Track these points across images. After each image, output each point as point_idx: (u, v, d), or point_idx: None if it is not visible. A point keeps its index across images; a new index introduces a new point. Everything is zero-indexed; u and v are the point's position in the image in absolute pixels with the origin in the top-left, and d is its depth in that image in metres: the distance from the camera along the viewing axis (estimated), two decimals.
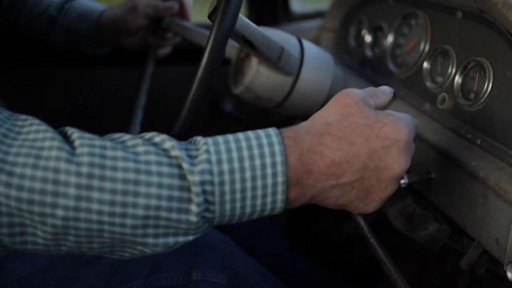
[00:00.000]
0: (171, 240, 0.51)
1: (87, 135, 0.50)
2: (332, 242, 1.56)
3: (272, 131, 0.53)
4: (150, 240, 0.50)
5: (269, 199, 0.52)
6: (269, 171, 0.51)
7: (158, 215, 0.49)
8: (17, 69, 1.28)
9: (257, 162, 0.51)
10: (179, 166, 0.49)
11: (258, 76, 0.77)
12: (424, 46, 0.84)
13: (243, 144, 0.51)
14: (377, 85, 0.93)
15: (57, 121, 1.51)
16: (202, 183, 0.49)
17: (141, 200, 0.48)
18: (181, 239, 0.52)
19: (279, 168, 0.51)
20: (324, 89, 0.81)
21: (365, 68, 1.04)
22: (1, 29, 1.19)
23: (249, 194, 0.51)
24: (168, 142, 0.51)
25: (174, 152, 0.50)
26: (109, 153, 0.48)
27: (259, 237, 1.13)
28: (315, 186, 0.52)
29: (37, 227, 0.47)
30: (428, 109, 0.80)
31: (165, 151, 0.50)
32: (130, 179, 0.48)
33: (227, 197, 0.51)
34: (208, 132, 1.43)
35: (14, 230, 0.48)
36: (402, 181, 0.75)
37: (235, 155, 0.50)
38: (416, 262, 1.25)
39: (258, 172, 0.51)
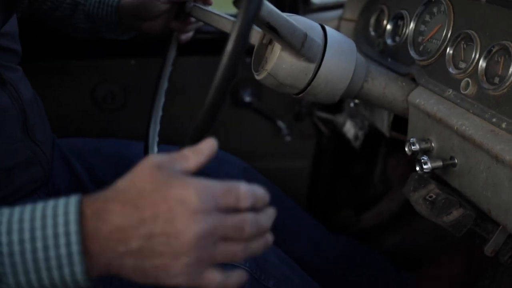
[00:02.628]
0: None
1: None
2: (348, 235, 1.55)
3: (73, 199, 0.50)
4: None
5: (66, 270, 0.48)
6: (62, 240, 0.48)
7: None
8: (39, 61, 1.29)
9: (49, 231, 0.48)
10: None
11: (281, 62, 0.77)
12: (447, 32, 0.84)
13: (38, 213, 0.49)
14: (398, 73, 0.94)
15: (77, 113, 1.53)
16: None
17: None
18: None
19: (73, 238, 0.48)
20: (346, 76, 0.81)
21: (385, 56, 1.04)
22: (25, 21, 1.21)
23: (42, 265, 0.48)
24: None
25: None
26: None
27: (288, 225, 1.14)
28: (103, 254, 0.49)
29: None
30: (451, 95, 0.80)
31: None
32: None
33: (19, 268, 0.48)
34: (228, 121, 1.44)
35: None
36: (425, 166, 0.75)
37: (26, 225, 0.49)
38: (460, 251, 1.25)
39: (50, 242, 0.48)
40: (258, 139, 1.46)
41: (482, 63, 0.75)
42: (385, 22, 1.06)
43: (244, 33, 0.55)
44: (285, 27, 0.70)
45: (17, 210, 0.50)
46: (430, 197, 0.74)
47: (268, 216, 0.55)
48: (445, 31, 0.84)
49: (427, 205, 0.73)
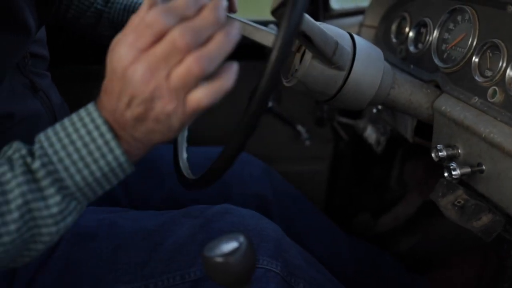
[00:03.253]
0: (54, 229, 0.57)
1: None
2: (365, 238, 1.57)
3: (88, 106, 0.58)
4: (36, 232, 0.57)
5: (109, 157, 0.56)
6: (95, 133, 0.56)
7: (30, 208, 0.55)
8: (64, 67, 1.31)
9: (82, 131, 0.56)
10: (26, 164, 0.56)
11: (311, 70, 0.79)
12: (472, 41, 0.85)
13: (67, 123, 0.57)
14: (422, 80, 0.95)
15: None
16: (43, 165, 0.55)
17: (13, 205, 0.55)
18: (61, 225, 0.58)
19: (103, 128, 0.56)
20: (374, 83, 0.83)
21: (408, 63, 1.05)
22: (52, 27, 1.23)
23: (89, 159, 0.56)
24: (16, 153, 0.56)
25: (20, 155, 0.56)
26: None
27: (308, 226, 1.16)
28: (126, 132, 0.57)
29: None
30: (477, 103, 0.81)
31: (13, 161, 0.56)
32: (0, 193, 0.54)
33: (72, 169, 0.56)
34: None
35: None
36: (454, 173, 0.76)
37: (62, 134, 0.56)
38: (474, 255, 1.26)
39: (87, 138, 0.56)
40: (278, 142, 1.48)
41: (509, 72, 0.76)
42: (407, 29, 1.08)
43: (288, 42, 0.56)
44: (319, 36, 0.72)
45: (49, 129, 0.57)
46: (459, 202, 0.76)
47: (203, 17, 0.53)
48: (470, 40, 0.86)
49: (456, 211, 0.75)
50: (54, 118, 0.89)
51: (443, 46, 0.95)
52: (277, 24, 0.70)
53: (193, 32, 0.52)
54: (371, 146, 1.31)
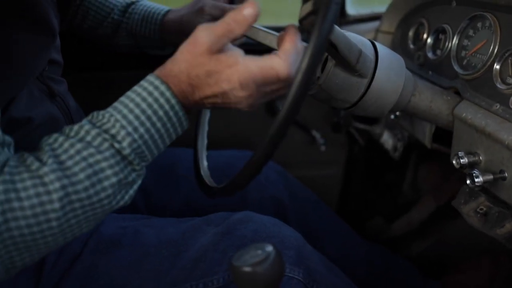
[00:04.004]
0: (131, 192, 0.66)
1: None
2: (378, 242, 1.57)
3: (155, 80, 0.65)
4: (121, 202, 0.65)
5: (179, 129, 0.67)
6: (171, 113, 0.65)
7: (120, 184, 0.63)
8: (80, 72, 1.32)
9: (155, 105, 0.64)
10: (113, 146, 0.62)
11: (333, 77, 0.79)
12: (493, 48, 0.85)
13: (143, 104, 0.64)
14: (441, 87, 0.95)
15: None
16: (133, 150, 0.63)
17: (107, 183, 0.62)
18: (135, 186, 0.66)
19: (177, 107, 0.65)
20: (396, 91, 0.83)
21: (426, 69, 1.06)
22: (66, 34, 1.24)
23: (163, 131, 0.65)
24: (99, 137, 0.62)
25: (104, 139, 0.62)
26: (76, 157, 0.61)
27: (323, 229, 1.16)
28: (193, 108, 0.68)
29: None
30: (499, 109, 0.82)
31: (99, 145, 0.62)
32: (91, 174, 0.61)
33: (150, 143, 0.65)
34: (264, 130, 1.46)
35: None
36: (476, 180, 0.77)
37: (143, 117, 0.63)
38: (486, 260, 1.26)
39: (160, 112, 0.64)
40: (292, 147, 1.49)
41: None
42: (425, 35, 1.08)
43: (320, 52, 0.57)
44: (344, 44, 0.72)
45: (121, 105, 0.64)
46: (481, 209, 0.76)
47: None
48: (491, 47, 0.86)
49: (479, 218, 0.75)
50: (71, 122, 0.90)
51: (463, 53, 0.95)
52: (304, 31, 0.70)
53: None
54: (386, 152, 1.31)
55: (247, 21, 0.63)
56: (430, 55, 1.05)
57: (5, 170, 0.58)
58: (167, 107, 0.64)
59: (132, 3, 1.14)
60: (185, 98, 0.66)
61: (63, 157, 0.60)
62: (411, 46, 1.14)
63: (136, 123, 0.63)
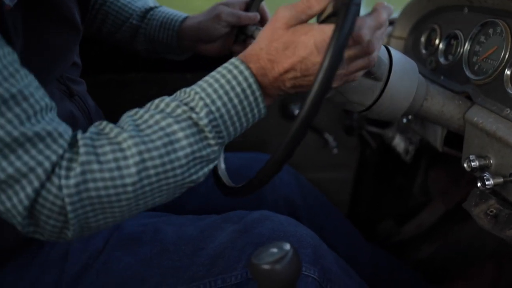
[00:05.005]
0: (206, 170, 0.69)
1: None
2: (388, 244, 1.59)
3: (236, 61, 0.69)
4: (194, 177, 0.68)
5: (255, 111, 0.70)
6: (248, 91, 0.68)
7: (194, 157, 0.66)
8: (99, 74, 1.35)
9: (238, 89, 0.68)
10: (191, 118, 0.66)
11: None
12: (505, 54, 0.87)
13: (222, 80, 0.68)
14: (453, 91, 0.97)
15: None
16: (210, 121, 0.66)
17: (181, 153, 0.65)
18: (211, 165, 0.70)
19: (254, 86, 0.68)
20: (409, 95, 0.85)
21: (438, 74, 1.08)
22: (85, 36, 1.27)
23: (242, 113, 0.69)
24: (178, 109, 0.66)
25: (183, 110, 0.66)
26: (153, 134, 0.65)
27: (332, 229, 1.18)
28: (271, 92, 0.71)
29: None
30: (509, 114, 0.84)
31: (177, 116, 0.66)
32: (167, 142, 0.64)
33: (229, 122, 0.68)
34: (278, 132, 1.50)
35: None
36: (487, 183, 0.79)
37: (220, 91, 0.67)
38: (490, 265, 1.28)
39: (242, 96, 0.68)
40: (305, 149, 1.51)
41: None
42: (437, 41, 1.10)
43: (340, 53, 0.59)
44: None
45: (204, 84, 0.68)
46: (491, 211, 0.78)
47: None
48: (503, 53, 0.88)
49: (489, 220, 0.77)
50: (90, 122, 0.92)
51: (474, 58, 0.97)
52: None
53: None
54: (398, 155, 1.33)
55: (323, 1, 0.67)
56: (442, 60, 1.07)
57: (86, 135, 0.63)
58: (244, 84, 0.68)
59: (151, 8, 1.16)
60: (264, 75, 0.69)
61: (142, 126, 0.65)
62: (423, 51, 1.16)
63: (214, 96, 0.67)
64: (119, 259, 0.83)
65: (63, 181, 0.59)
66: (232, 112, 0.68)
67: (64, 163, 0.60)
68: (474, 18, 0.99)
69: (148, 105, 0.68)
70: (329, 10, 0.66)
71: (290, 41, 0.67)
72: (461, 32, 1.02)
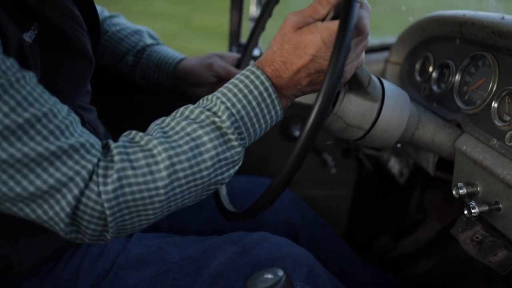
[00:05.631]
0: (232, 171, 0.74)
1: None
2: (385, 260, 1.63)
3: (252, 67, 0.75)
4: (220, 177, 0.73)
5: (272, 113, 0.75)
6: (265, 94, 0.74)
7: (219, 158, 0.71)
8: (105, 96, 1.40)
9: (255, 92, 0.73)
10: (214, 122, 0.71)
11: (348, 103, 0.86)
12: (492, 87, 0.92)
13: (240, 85, 0.73)
14: (444, 119, 1.02)
15: None
16: (232, 123, 0.71)
17: (206, 155, 0.70)
18: (236, 167, 0.75)
19: (270, 90, 0.74)
20: (401, 125, 0.89)
21: (431, 102, 1.12)
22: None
23: (260, 115, 0.74)
24: (202, 114, 0.72)
25: (206, 116, 0.71)
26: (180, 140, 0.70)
27: (330, 250, 1.23)
28: (286, 93, 0.76)
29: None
30: (496, 145, 0.88)
31: (202, 121, 0.71)
32: (194, 147, 0.69)
33: (248, 124, 0.73)
34: (278, 153, 1.54)
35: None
36: (473, 211, 0.83)
37: (239, 95, 0.73)
38: (482, 281, 1.31)
39: (259, 98, 0.73)
40: (305, 169, 1.55)
41: None
42: (430, 68, 1.15)
43: (339, 74, 0.64)
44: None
45: (223, 88, 0.74)
46: (477, 238, 0.83)
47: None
48: (490, 86, 0.92)
49: (475, 246, 0.82)
50: None
51: (465, 88, 1.02)
52: None
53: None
54: (393, 176, 1.37)
55: (330, 3, 0.72)
56: (435, 88, 1.12)
57: (119, 144, 0.69)
58: (261, 88, 0.73)
59: (147, 46, 1.21)
60: (279, 77, 0.74)
61: (170, 133, 0.70)
62: (418, 78, 1.21)
63: (234, 99, 0.72)
64: (126, 278, 0.87)
65: (102, 188, 0.64)
66: (252, 113, 0.73)
67: (101, 171, 0.65)
68: (465, 50, 1.04)
69: (174, 113, 0.74)
70: (331, 14, 0.72)
71: (299, 41, 0.72)
72: (453, 62, 1.07)
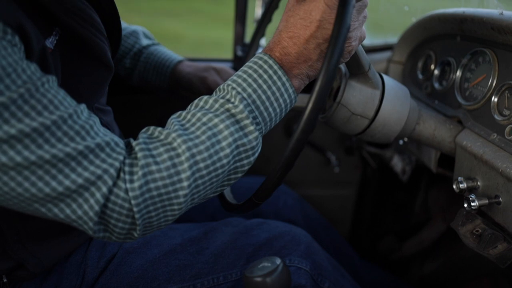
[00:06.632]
0: (252, 158, 0.74)
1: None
2: (390, 261, 1.63)
3: (260, 53, 0.75)
4: (238, 164, 0.73)
5: (285, 95, 0.74)
6: (275, 77, 0.73)
7: (237, 145, 0.71)
8: (114, 96, 1.42)
9: (265, 76, 0.73)
10: (228, 109, 0.71)
11: (350, 90, 0.87)
12: (492, 82, 0.93)
13: (250, 71, 0.73)
14: (446, 116, 1.03)
15: None
16: (245, 107, 0.71)
17: (224, 143, 0.70)
18: (256, 154, 0.74)
19: (280, 72, 0.73)
20: (401, 120, 0.90)
21: (432, 99, 1.13)
22: None
23: (272, 98, 0.73)
24: (216, 103, 0.72)
25: (220, 104, 0.72)
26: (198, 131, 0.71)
27: (332, 248, 1.24)
28: (296, 72, 0.75)
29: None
30: (495, 139, 0.89)
31: (216, 110, 0.71)
32: (211, 135, 0.69)
33: (262, 107, 0.73)
34: (282, 152, 1.54)
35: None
36: (472, 204, 0.84)
37: (249, 79, 0.73)
38: (486, 281, 1.31)
39: (269, 81, 0.73)
40: (309, 168, 1.56)
41: None
42: (432, 66, 1.16)
43: (333, 69, 0.65)
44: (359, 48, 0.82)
45: (233, 76, 0.75)
46: (477, 231, 0.83)
47: None
48: (490, 81, 0.93)
49: (474, 239, 0.82)
50: None
51: (466, 85, 1.03)
52: None
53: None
54: (396, 174, 1.38)
55: None
56: (436, 85, 1.12)
57: (140, 141, 0.69)
58: (270, 71, 0.73)
59: (143, 48, 1.23)
60: (288, 54, 0.74)
61: (187, 125, 0.71)
62: (420, 76, 1.21)
63: (244, 84, 0.72)
64: (131, 261, 0.89)
65: (128, 185, 0.65)
66: (263, 97, 0.73)
67: (127, 168, 0.66)
68: (465, 46, 1.05)
69: (189, 106, 0.75)
70: None
71: (304, 10, 0.72)
72: (454, 59, 1.07)
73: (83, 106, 0.67)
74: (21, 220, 0.79)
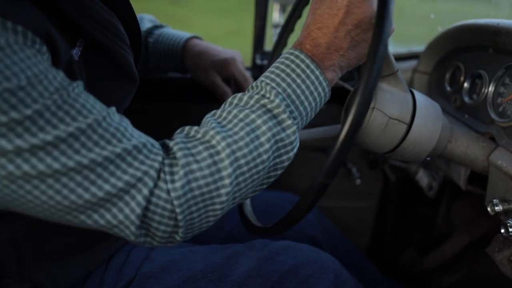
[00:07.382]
0: (291, 154, 0.72)
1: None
2: (411, 274, 1.59)
3: (291, 48, 0.74)
4: (278, 160, 0.71)
5: (320, 88, 0.73)
6: (308, 71, 0.72)
7: (275, 140, 0.69)
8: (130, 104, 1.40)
9: (298, 70, 0.72)
10: (264, 105, 0.70)
11: (383, 94, 0.82)
12: None
13: (282, 66, 0.73)
14: (477, 132, 0.98)
15: None
16: (281, 101, 0.70)
17: (263, 138, 0.68)
18: (294, 150, 0.72)
19: (312, 66, 0.72)
20: (433, 138, 0.85)
21: (462, 113, 1.09)
22: None
23: (307, 92, 0.72)
24: (251, 100, 0.71)
25: (255, 100, 0.71)
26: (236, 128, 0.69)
27: (354, 266, 1.21)
28: (329, 65, 0.74)
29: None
30: None
31: (252, 106, 0.70)
32: (249, 131, 0.68)
33: (297, 102, 0.72)
34: (302, 163, 1.51)
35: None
36: (510, 230, 0.79)
37: (282, 74, 0.72)
38: None
39: (303, 75, 0.72)
40: None
41: None
42: (462, 79, 1.11)
43: (379, 68, 0.63)
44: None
45: (266, 71, 0.74)
46: None
47: None
48: None
49: None
50: None
51: (499, 100, 0.98)
52: None
53: None
54: (421, 188, 1.34)
55: None
56: (466, 99, 1.08)
57: (177, 140, 0.67)
58: (303, 66, 0.72)
59: (147, 35, 1.22)
60: (318, 45, 0.73)
61: (223, 122, 0.69)
62: (448, 88, 1.17)
63: (278, 79, 0.72)
64: (149, 287, 0.86)
65: (170, 185, 0.63)
66: (298, 91, 0.71)
67: (167, 169, 0.64)
68: (499, 59, 1.00)
69: (222, 105, 0.73)
70: None
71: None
72: (486, 73, 1.03)
73: (113, 109, 0.65)
74: (42, 237, 0.77)
